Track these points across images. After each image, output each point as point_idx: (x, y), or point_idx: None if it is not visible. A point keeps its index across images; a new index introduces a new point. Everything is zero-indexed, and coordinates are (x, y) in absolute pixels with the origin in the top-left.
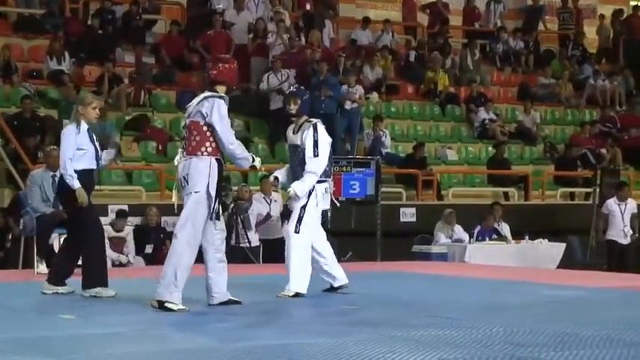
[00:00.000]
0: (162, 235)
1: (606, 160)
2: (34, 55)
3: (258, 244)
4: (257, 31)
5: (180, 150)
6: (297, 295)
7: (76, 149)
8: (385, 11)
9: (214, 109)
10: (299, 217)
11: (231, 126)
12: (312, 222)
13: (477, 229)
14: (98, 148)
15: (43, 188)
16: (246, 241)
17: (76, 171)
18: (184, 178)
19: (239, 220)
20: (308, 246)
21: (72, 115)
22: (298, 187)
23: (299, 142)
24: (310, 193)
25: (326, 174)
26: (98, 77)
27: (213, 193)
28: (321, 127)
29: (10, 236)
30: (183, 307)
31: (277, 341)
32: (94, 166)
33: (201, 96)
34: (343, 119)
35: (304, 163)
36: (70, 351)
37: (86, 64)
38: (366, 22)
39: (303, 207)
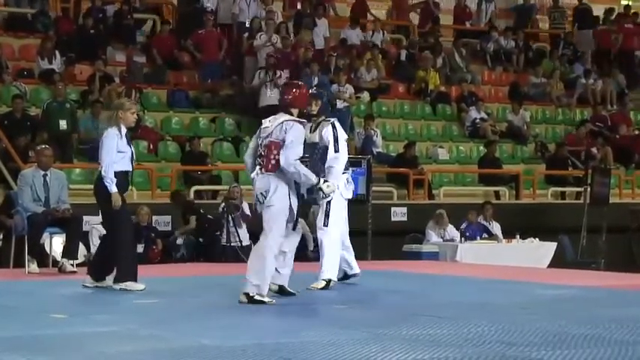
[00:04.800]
0: (153, 235)
1: (597, 160)
2: (24, 54)
3: (249, 243)
4: (252, 31)
5: (257, 167)
6: (328, 282)
7: (117, 152)
8: (376, 10)
9: (290, 131)
10: (326, 211)
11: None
12: (339, 213)
13: (464, 225)
14: (133, 151)
15: (34, 188)
16: (237, 240)
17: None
18: (262, 194)
19: (230, 219)
20: (338, 237)
21: (111, 119)
22: (328, 188)
23: (317, 140)
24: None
25: (345, 166)
26: (89, 76)
27: (293, 207)
28: (338, 125)
29: (1, 235)
30: (271, 300)
31: (270, 340)
32: (130, 168)
33: (281, 119)
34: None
35: (324, 159)
36: (62, 350)
37: (77, 63)
38: (355, 22)
39: (329, 201)
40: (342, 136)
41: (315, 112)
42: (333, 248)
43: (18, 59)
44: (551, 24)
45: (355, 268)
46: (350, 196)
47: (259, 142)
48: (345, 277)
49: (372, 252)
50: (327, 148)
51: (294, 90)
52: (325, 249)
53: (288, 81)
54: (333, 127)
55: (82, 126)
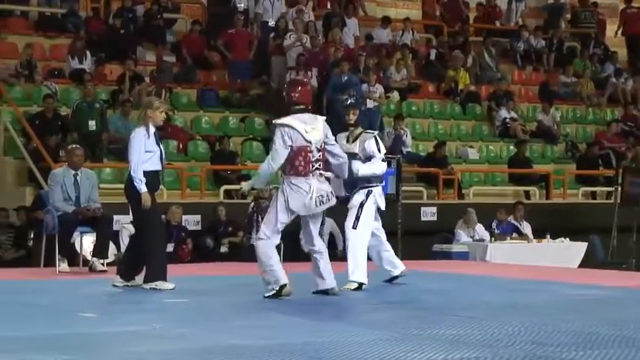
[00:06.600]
0: (183, 234)
1: (628, 159)
2: (55, 54)
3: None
4: (278, 30)
5: (318, 172)
6: (360, 285)
7: (145, 151)
8: (406, 10)
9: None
10: (357, 215)
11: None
12: (369, 219)
13: (495, 223)
14: (162, 150)
15: (65, 187)
16: None
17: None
18: (332, 193)
19: (259, 219)
20: (366, 241)
21: (140, 119)
22: (363, 168)
23: (357, 151)
24: (368, 195)
25: (380, 179)
26: (119, 76)
27: None
28: (379, 139)
29: (32, 234)
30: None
31: (299, 339)
32: (159, 168)
33: (321, 123)
34: (364, 118)
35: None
36: (91, 349)
37: (107, 63)
38: (386, 21)
39: (361, 206)
40: (382, 149)
41: (352, 122)
42: (361, 251)
43: (48, 59)
44: (581, 23)
45: (400, 266)
46: (383, 207)
47: (309, 148)
48: (391, 279)
49: (401, 252)
50: (368, 158)
51: (299, 87)
52: (353, 251)
53: (291, 79)
54: (376, 141)
55: (112, 126)
